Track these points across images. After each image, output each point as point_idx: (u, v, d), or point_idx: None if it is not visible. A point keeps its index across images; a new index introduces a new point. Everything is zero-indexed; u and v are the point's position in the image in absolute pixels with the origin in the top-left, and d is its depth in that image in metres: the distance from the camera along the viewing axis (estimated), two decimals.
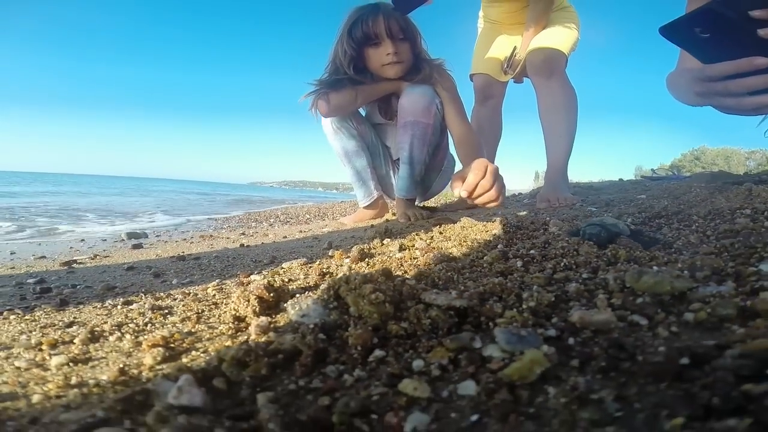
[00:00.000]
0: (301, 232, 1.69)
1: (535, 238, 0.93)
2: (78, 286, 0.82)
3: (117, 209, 5.11)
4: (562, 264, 0.62)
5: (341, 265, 0.86)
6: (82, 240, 1.90)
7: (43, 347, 0.48)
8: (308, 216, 2.77)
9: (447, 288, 0.58)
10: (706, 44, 0.73)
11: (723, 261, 0.57)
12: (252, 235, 1.73)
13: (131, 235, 1.92)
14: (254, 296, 0.55)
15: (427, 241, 1.06)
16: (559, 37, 1.81)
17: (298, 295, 0.56)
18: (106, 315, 0.60)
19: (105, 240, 1.86)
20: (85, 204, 5.70)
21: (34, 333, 0.53)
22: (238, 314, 0.54)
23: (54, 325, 0.56)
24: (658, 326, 0.39)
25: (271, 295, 0.57)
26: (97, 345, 0.48)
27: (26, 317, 0.61)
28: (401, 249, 0.98)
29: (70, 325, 0.56)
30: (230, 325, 0.52)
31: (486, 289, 0.53)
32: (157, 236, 2.01)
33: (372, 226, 1.60)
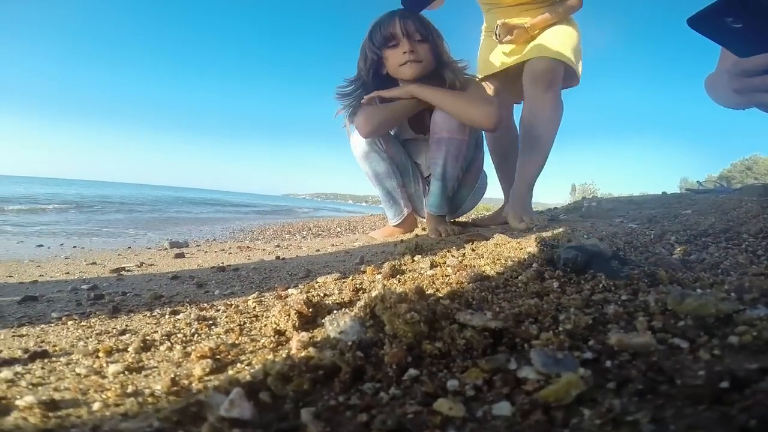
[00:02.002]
0: (333, 246, 1.71)
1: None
2: (127, 294, 0.87)
3: (160, 218, 5.37)
4: (601, 285, 0.61)
5: (373, 281, 0.87)
6: (129, 247, 2.01)
7: (100, 354, 0.51)
8: (339, 229, 2.81)
9: (481, 308, 0.58)
10: (740, 35, 0.63)
11: None
12: (287, 248, 1.77)
13: (173, 244, 2.01)
14: (294, 311, 0.57)
15: (459, 258, 1.06)
16: (564, 42, 1.71)
17: (335, 312, 0.57)
18: (155, 324, 0.63)
19: (149, 248, 1.96)
20: (133, 211, 6.02)
21: (90, 340, 0.57)
22: (278, 328, 0.56)
23: (108, 332, 0.60)
24: (700, 349, 0.38)
25: (310, 310, 0.59)
26: (149, 354, 0.51)
27: (83, 323, 0.65)
28: (432, 266, 0.98)
29: (123, 332, 0.60)
30: (271, 338, 0.54)
31: (521, 310, 0.53)
32: (197, 245, 2.09)
33: (402, 241, 1.61)
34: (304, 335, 0.50)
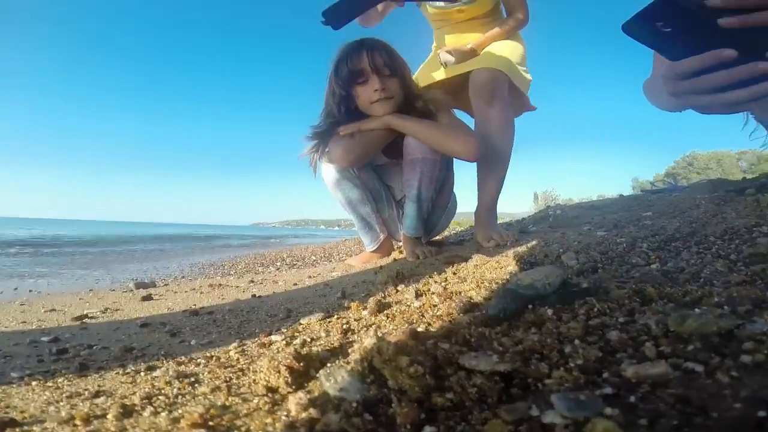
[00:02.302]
0: (310, 277, 1.67)
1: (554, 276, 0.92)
2: (94, 347, 0.79)
3: (121, 255, 5.08)
4: (596, 309, 0.61)
5: (360, 318, 0.84)
6: (91, 290, 1.87)
7: (77, 422, 0.46)
8: (314, 257, 2.75)
9: (481, 347, 0.56)
10: (670, 39, 0.65)
11: (759, 290, 0.56)
12: (261, 283, 1.70)
13: (139, 285, 1.89)
14: (284, 366, 0.53)
15: (443, 284, 1.05)
16: (507, 54, 1.73)
17: (329, 365, 0.54)
18: (131, 383, 0.58)
19: (113, 290, 1.83)
20: (93, 250, 5.68)
21: (62, 404, 0.51)
22: (270, 385, 0.52)
23: (80, 395, 0.54)
24: (716, 372, 0.38)
25: (301, 364, 0.55)
26: (132, 421, 0.46)
27: (49, 384, 0.58)
28: (418, 295, 0.97)
29: (97, 395, 0.54)
30: (264, 397, 0.50)
31: (526, 347, 0.52)
32: (165, 284, 1.98)
33: (381, 267, 1.58)
34: (302, 396, 0.46)
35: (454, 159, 1.73)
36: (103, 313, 1.24)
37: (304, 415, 0.44)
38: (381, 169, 1.86)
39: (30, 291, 1.88)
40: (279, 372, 0.53)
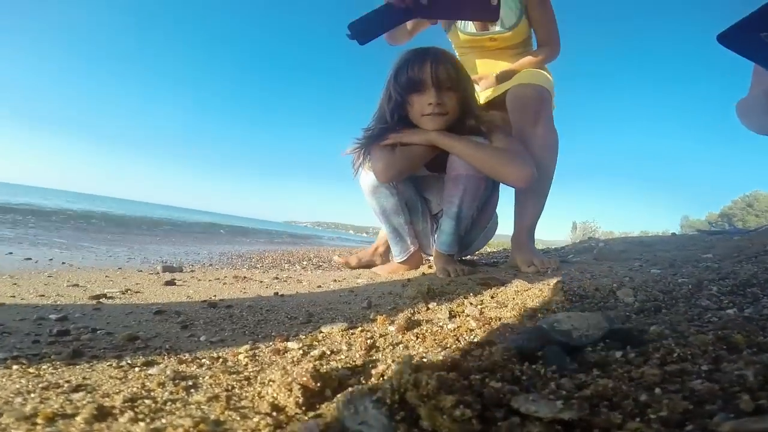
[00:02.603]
0: (335, 281, 1.58)
1: (608, 309, 0.79)
2: (98, 331, 0.73)
3: (157, 237, 5.23)
4: (675, 355, 0.48)
5: (386, 334, 0.74)
6: (120, 268, 1.86)
7: (38, 420, 0.38)
8: (343, 255, 2.67)
9: (534, 386, 0.45)
10: None
11: None
12: (286, 280, 1.63)
13: (166, 269, 1.86)
14: (298, 385, 0.44)
15: (479, 307, 0.93)
16: (545, 77, 1.64)
17: (350, 389, 0.44)
18: (120, 380, 0.50)
19: (141, 271, 1.81)
20: (133, 229, 5.88)
21: (32, 396, 0.43)
22: (277, 403, 0.43)
23: (58, 387, 0.46)
24: None
25: (318, 384, 0.45)
26: (102, 426, 0.38)
27: (30, 369, 0.51)
28: (451, 316, 0.86)
29: (77, 389, 0.46)
30: (268, 418, 0.40)
31: (593, 391, 0.41)
32: (191, 271, 1.95)
33: (409, 280, 1.48)
34: (312, 425, 0.36)
35: None
36: (123, 294, 1.19)
37: None
38: (420, 180, 1.76)
39: (63, 263, 1.89)
40: (291, 390, 0.44)
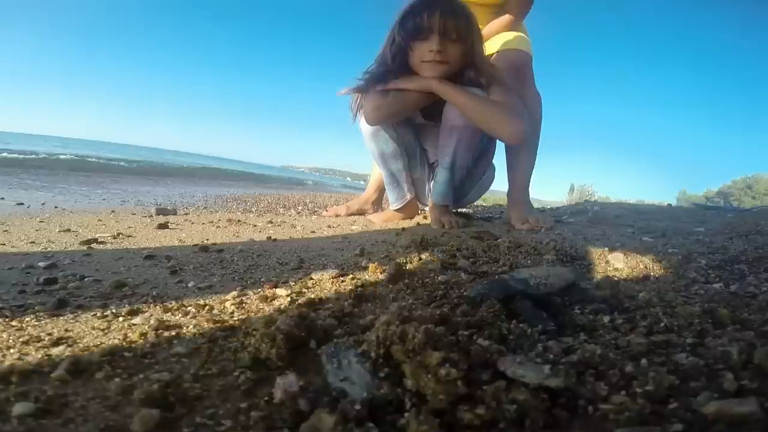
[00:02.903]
0: (329, 227, 1.57)
1: (597, 272, 0.78)
2: (86, 279, 0.71)
3: (151, 179, 5.16)
4: (662, 324, 0.48)
5: (377, 282, 0.73)
6: (113, 211, 1.83)
7: (13, 378, 0.37)
8: (332, 206, 2.65)
9: (520, 346, 0.44)
10: None
11: None
12: (279, 225, 1.62)
13: (160, 211, 1.84)
14: (281, 335, 0.42)
15: (470, 260, 0.92)
16: (523, 40, 1.66)
17: (335, 340, 0.43)
18: (103, 331, 0.49)
19: (134, 214, 1.79)
20: (122, 173, 5.79)
21: (11, 351, 0.42)
22: (258, 356, 0.42)
23: (39, 340, 0.45)
24: None
25: (302, 334, 0.44)
26: (78, 384, 0.37)
27: (13, 322, 0.50)
28: (444, 268, 0.84)
29: (57, 342, 0.45)
30: (248, 372, 0.39)
31: (580, 358, 0.40)
32: (185, 213, 1.93)
33: (403, 229, 1.47)
34: (292, 380, 0.35)
35: None
36: (114, 238, 1.18)
37: (291, 408, 0.34)
38: (418, 129, 1.72)
39: (55, 207, 1.86)
40: (274, 340, 0.42)
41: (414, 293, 0.66)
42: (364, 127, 1.62)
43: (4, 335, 0.46)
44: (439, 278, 0.75)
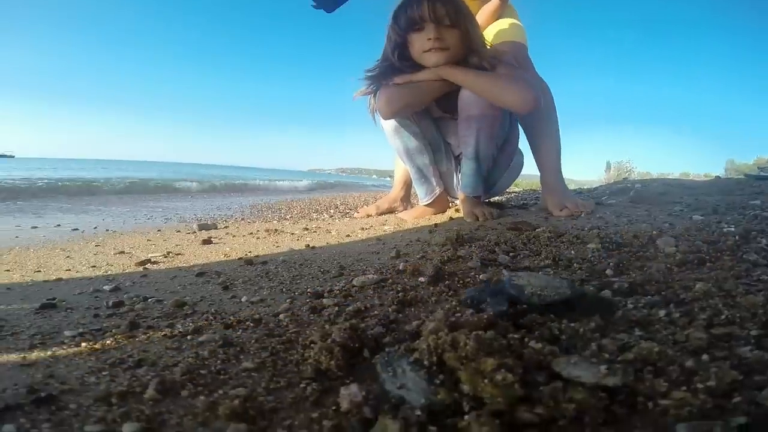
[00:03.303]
0: (362, 229, 1.60)
1: (647, 260, 0.76)
2: (149, 299, 0.78)
3: (188, 195, 5.40)
4: (723, 317, 0.47)
5: (417, 286, 0.75)
6: (159, 230, 1.95)
7: (113, 400, 0.42)
8: (362, 207, 2.69)
9: (573, 346, 0.45)
10: None
11: None
12: (315, 231, 1.67)
13: (202, 227, 1.94)
14: (338, 347, 0.45)
15: (511, 254, 0.93)
16: (517, 29, 1.70)
17: (387, 350, 0.45)
18: (175, 350, 0.54)
19: (179, 231, 1.90)
20: (159, 191, 6.08)
21: (104, 375, 0.48)
22: (320, 367, 0.45)
23: (123, 363, 0.50)
24: None
25: (356, 345, 0.47)
26: (168, 402, 0.41)
27: (96, 346, 0.56)
28: (483, 265, 0.85)
29: (140, 363, 0.50)
30: (313, 384, 0.42)
31: (638, 355, 0.40)
32: (225, 226, 2.02)
33: (436, 225, 1.48)
34: (355, 390, 0.38)
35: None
36: (165, 257, 1.26)
37: (358, 416, 0.37)
38: (440, 123, 1.72)
39: (107, 230, 2.00)
40: (332, 352, 0.46)
41: (456, 294, 0.68)
42: (386, 125, 1.65)
43: (93, 359, 0.52)
44: (480, 276, 0.76)
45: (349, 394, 0.38)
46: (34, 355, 0.55)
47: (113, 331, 0.61)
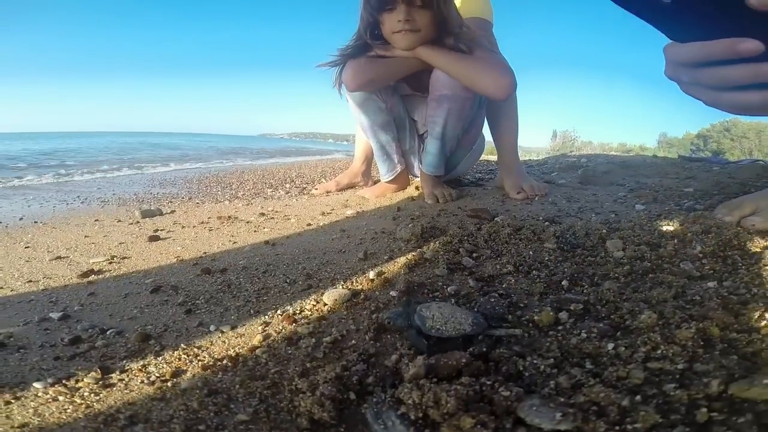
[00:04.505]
0: (323, 214, 1.60)
1: (597, 266, 0.85)
2: (108, 332, 0.74)
3: (125, 168, 5.00)
4: (659, 351, 0.54)
5: (389, 302, 0.79)
6: (96, 220, 1.81)
7: None
8: (324, 181, 2.67)
9: (535, 383, 0.51)
10: (674, 14, 0.49)
11: None
12: (272, 217, 1.65)
13: (145, 214, 1.84)
14: (328, 400, 0.49)
15: (473, 255, 0.99)
16: (485, 4, 1.71)
17: (374, 397, 0.49)
18: (163, 402, 0.54)
19: (120, 221, 1.78)
20: (98, 166, 5.58)
21: None
22: (313, 417, 0.49)
23: (116, 422, 0.50)
24: None
25: (344, 395, 0.51)
26: None
27: (76, 399, 0.55)
28: (450, 270, 0.91)
29: (132, 420, 0.50)
30: None
31: (586, 397, 0.47)
32: (171, 212, 1.93)
33: (398, 210, 1.51)
34: None
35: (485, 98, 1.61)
36: (110, 263, 1.19)
37: None
38: (407, 100, 1.73)
39: (35, 222, 1.83)
40: (323, 405, 0.49)
41: (429, 310, 0.72)
42: (352, 99, 1.63)
43: (78, 415, 0.51)
44: (448, 290, 0.81)
45: None
46: (15, 412, 0.53)
47: (85, 379, 0.59)
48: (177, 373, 0.61)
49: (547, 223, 1.16)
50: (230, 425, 0.49)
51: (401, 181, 1.85)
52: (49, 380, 0.59)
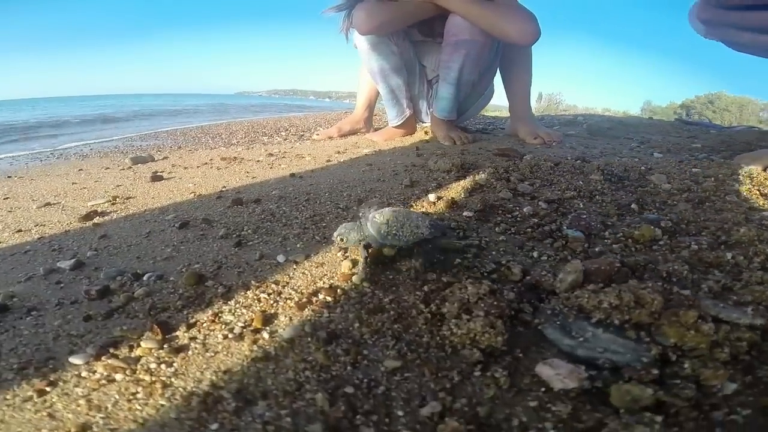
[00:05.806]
0: (338, 153, 1.37)
1: (653, 195, 0.73)
2: (146, 278, 0.52)
3: (101, 125, 4.34)
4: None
5: (468, 221, 0.62)
6: (80, 170, 1.47)
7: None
8: (321, 129, 2.37)
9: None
10: None
11: None
12: (284, 156, 1.39)
13: (136, 160, 1.51)
14: (497, 319, 0.32)
15: (529, 184, 0.83)
16: None
17: (547, 312, 0.32)
18: (268, 362, 0.35)
19: (108, 168, 1.45)
20: (70, 123, 4.81)
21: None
22: (480, 346, 0.32)
23: (216, 403, 0.30)
24: None
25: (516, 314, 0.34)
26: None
27: (141, 376, 0.34)
28: (514, 196, 0.74)
29: (244, 401, 0.30)
30: (494, 368, 0.28)
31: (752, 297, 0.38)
32: (164, 158, 1.60)
33: (417, 148, 1.31)
34: (558, 365, 0.25)
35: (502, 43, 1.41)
36: (113, 204, 0.92)
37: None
38: (418, 45, 1.53)
39: (9, 177, 1.45)
40: (494, 328, 0.33)
41: (517, 231, 0.56)
42: (362, 43, 1.42)
43: (164, 401, 0.31)
44: (524, 210, 0.66)
45: (556, 373, 0.29)
46: (59, 405, 0.31)
47: (142, 344, 0.38)
48: (268, 318, 0.41)
49: (578, 161, 1.01)
50: (382, 378, 0.31)
51: (409, 126, 1.65)
52: (89, 350, 0.38)
